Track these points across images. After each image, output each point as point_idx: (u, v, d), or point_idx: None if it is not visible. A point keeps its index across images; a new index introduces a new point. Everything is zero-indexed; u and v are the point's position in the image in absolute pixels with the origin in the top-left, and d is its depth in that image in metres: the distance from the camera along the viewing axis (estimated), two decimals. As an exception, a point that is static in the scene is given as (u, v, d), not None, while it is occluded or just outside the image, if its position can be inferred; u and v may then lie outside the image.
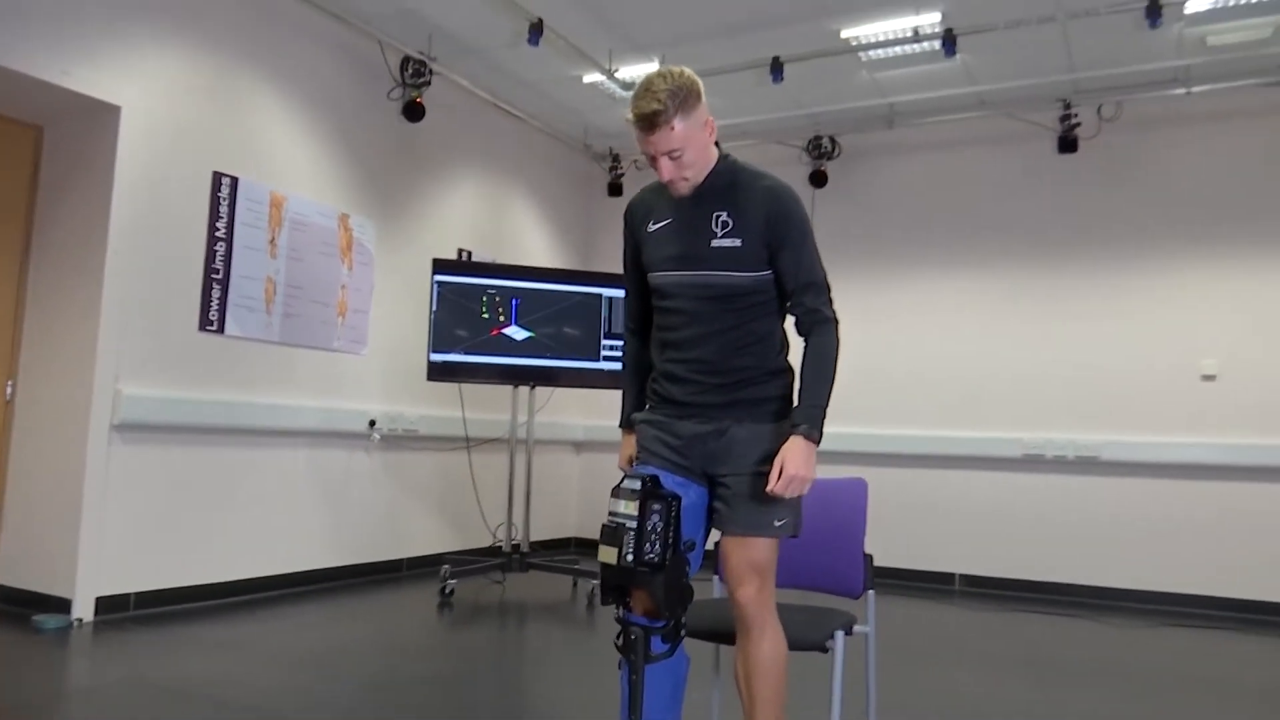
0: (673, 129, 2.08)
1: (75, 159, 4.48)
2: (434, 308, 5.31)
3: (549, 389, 5.95)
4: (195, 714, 2.98)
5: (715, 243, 2.18)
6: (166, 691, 3.20)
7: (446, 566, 5.20)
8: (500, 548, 5.65)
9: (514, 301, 5.46)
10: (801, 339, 2.26)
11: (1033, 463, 6.14)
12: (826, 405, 2.19)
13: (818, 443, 2.16)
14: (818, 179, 6.78)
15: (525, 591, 5.45)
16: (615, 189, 7.54)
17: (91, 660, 3.68)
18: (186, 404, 4.57)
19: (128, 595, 4.35)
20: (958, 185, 6.55)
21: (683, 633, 2.20)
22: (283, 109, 5.15)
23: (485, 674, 3.73)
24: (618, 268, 6.76)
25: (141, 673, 3.43)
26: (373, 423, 5.60)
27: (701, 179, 2.20)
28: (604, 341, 5.58)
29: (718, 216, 2.18)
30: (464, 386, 5.90)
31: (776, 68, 5.63)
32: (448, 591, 5.12)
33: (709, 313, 2.20)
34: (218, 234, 4.77)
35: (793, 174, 6.90)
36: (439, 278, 5.35)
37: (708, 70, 5.83)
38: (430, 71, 5.79)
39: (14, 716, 2.89)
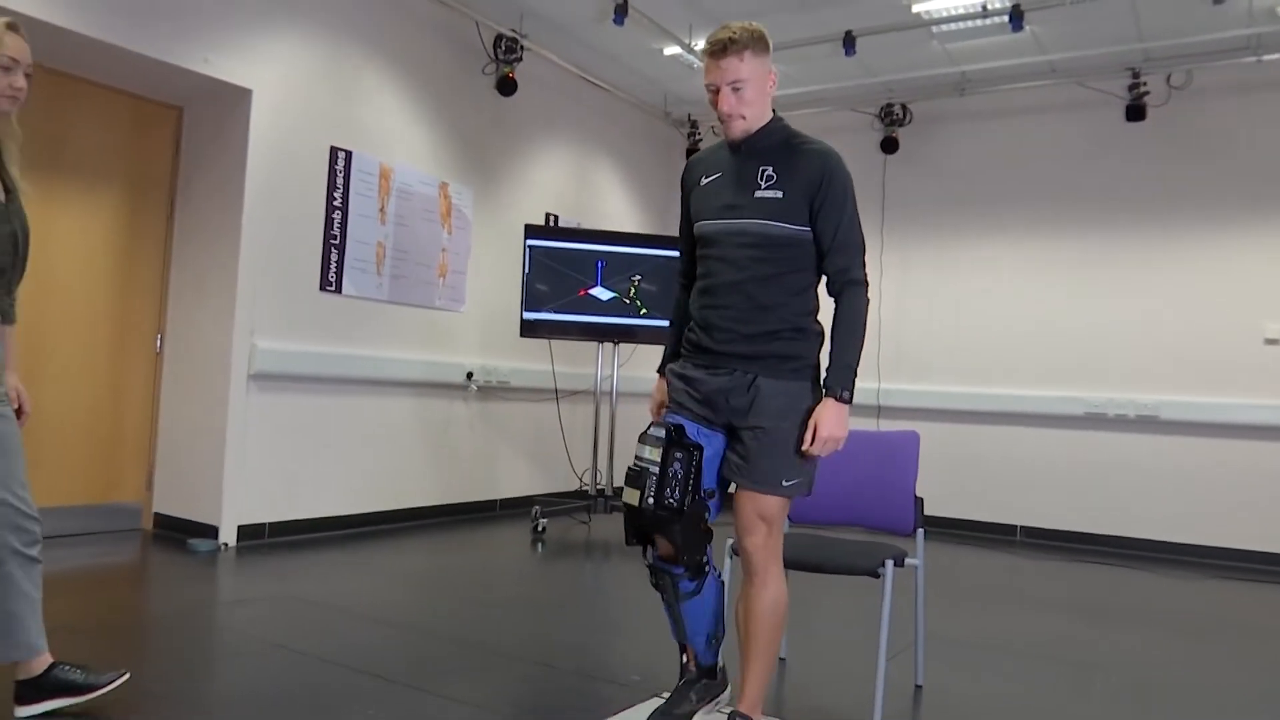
0: (741, 60, 2.23)
1: (212, 137, 5.01)
2: (526, 270, 5.76)
3: (631, 345, 6.37)
4: (330, 620, 3.52)
5: (758, 193, 2.29)
6: (304, 602, 3.75)
7: (537, 507, 5.71)
8: (586, 491, 6.14)
9: (599, 264, 5.88)
10: (832, 299, 2.36)
11: (1095, 420, 6.38)
12: (857, 365, 2.29)
13: (849, 403, 2.28)
14: (889, 145, 7.02)
15: (609, 531, 5.93)
16: (693, 153, 7.86)
17: (238, 578, 4.26)
18: (310, 356, 5.12)
19: (264, 524, 4.95)
20: (1027, 151, 6.73)
21: (707, 569, 2.39)
22: (390, 87, 5.61)
23: (576, 597, 4.22)
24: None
25: (281, 588, 4.00)
26: (470, 375, 6.11)
27: (755, 128, 2.32)
28: (682, 302, 5.96)
29: (763, 170, 2.30)
30: (553, 342, 6.36)
31: (849, 41, 5.88)
32: (539, 529, 5.64)
33: (745, 260, 2.29)
34: (335, 203, 5.28)
35: (865, 140, 7.16)
36: (530, 242, 5.79)
37: (782, 43, 6.10)
38: (521, 48, 6.19)
39: (182, 621, 3.46)
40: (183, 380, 5.01)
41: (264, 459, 4.94)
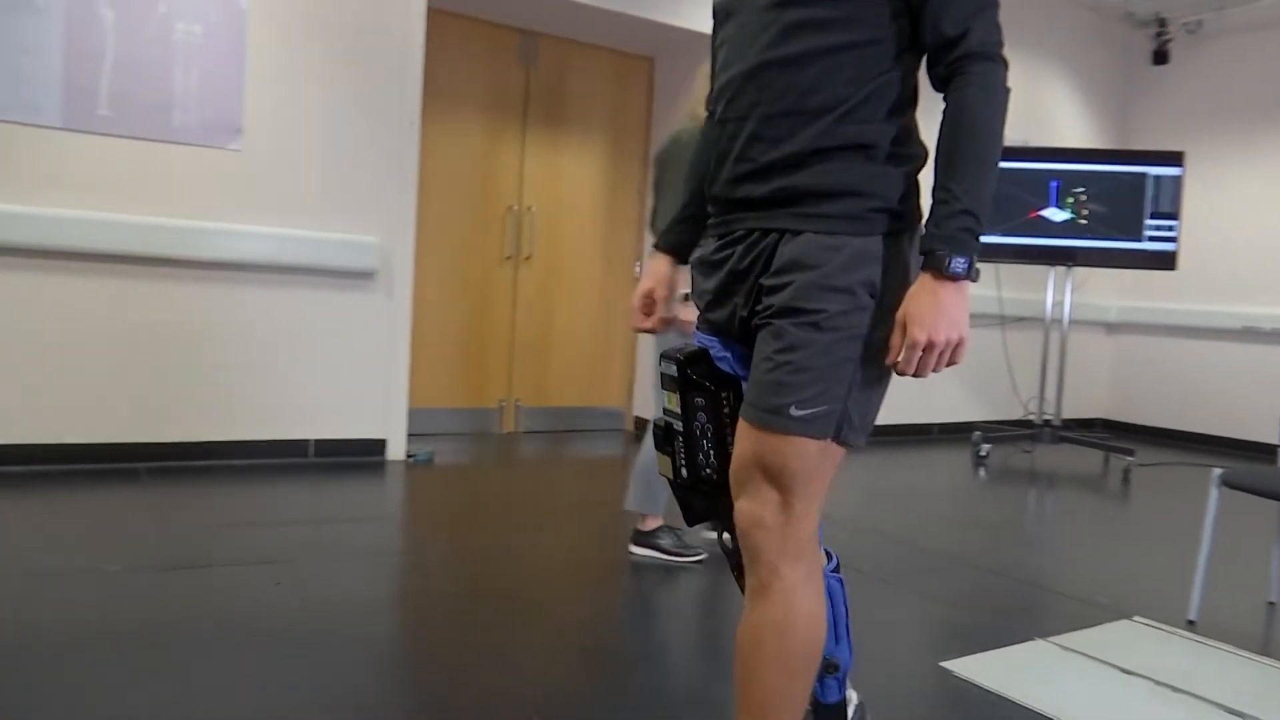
0: None
1: (681, 83, 5.53)
2: (972, 193, 5.66)
3: (1086, 269, 6.04)
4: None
5: None
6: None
7: (978, 433, 5.70)
8: (1031, 420, 5.99)
9: (1052, 184, 5.61)
10: (939, 91, 1.35)
11: None
12: (984, 207, 1.26)
13: (966, 277, 1.24)
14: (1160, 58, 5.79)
15: (1055, 462, 5.75)
16: (1161, 56, 7.10)
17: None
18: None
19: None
20: None
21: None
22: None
23: (1021, 520, 4.22)
24: (1163, 143, 6.66)
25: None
26: (910, 300, 6.19)
27: None
28: (1148, 221, 5.51)
29: None
30: (1000, 266, 6.22)
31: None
32: (982, 454, 5.64)
33: (768, 30, 1.34)
34: (786, 136, 5.59)
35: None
36: (977, 164, 5.67)
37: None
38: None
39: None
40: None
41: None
